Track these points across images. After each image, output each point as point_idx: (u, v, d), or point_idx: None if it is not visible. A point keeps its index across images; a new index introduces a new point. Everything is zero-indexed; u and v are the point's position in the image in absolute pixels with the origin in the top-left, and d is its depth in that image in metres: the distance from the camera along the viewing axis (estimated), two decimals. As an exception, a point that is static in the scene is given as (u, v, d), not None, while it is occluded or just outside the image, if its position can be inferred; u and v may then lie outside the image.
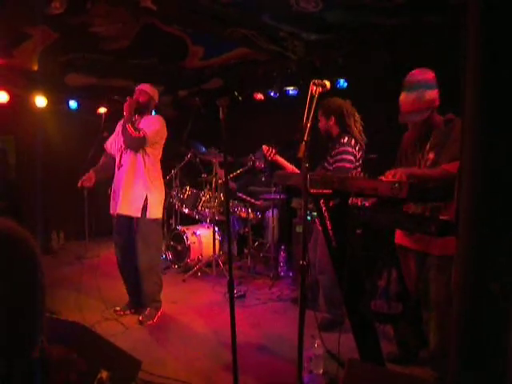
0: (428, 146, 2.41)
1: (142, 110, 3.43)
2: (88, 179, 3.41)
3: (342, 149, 3.08)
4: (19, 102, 5.61)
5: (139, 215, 3.30)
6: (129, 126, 3.26)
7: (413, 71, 2.38)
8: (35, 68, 5.03)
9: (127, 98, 3.38)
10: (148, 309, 3.42)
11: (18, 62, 4.78)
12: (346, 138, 3.11)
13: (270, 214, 4.85)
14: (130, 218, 3.33)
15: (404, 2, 3.39)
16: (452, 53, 2.64)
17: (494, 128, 0.90)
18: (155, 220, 3.42)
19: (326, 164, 3.18)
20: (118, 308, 3.55)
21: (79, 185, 3.41)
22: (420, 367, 2.58)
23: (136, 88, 3.50)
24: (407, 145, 2.59)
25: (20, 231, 0.81)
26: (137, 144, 3.29)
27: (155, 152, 3.41)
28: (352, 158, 3.08)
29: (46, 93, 5.71)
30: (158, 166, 3.49)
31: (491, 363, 0.95)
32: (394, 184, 1.68)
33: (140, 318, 3.38)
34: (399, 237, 2.57)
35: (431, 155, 2.37)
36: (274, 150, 3.35)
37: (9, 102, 5.44)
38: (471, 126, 0.93)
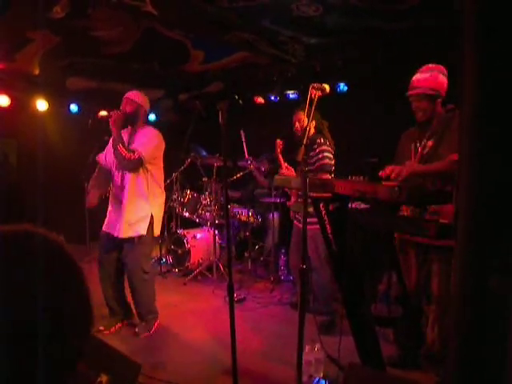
0: (428, 133, 2.43)
1: (131, 120, 3.18)
2: (92, 198, 3.32)
3: (321, 148, 3.27)
4: (20, 106, 5.63)
5: (144, 233, 3.14)
6: (120, 148, 2.99)
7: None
8: (36, 72, 5.05)
9: (111, 114, 3.06)
10: (145, 321, 3.28)
11: (20, 65, 4.80)
12: (322, 139, 3.32)
13: (270, 216, 4.86)
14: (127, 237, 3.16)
15: (406, 7, 3.41)
16: (452, 56, 2.66)
17: (491, 130, 0.90)
18: (155, 237, 3.32)
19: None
20: (101, 328, 3.21)
21: (88, 207, 3.40)
22: (420, 371, 2.57)
23: (123, 97, 3.23)
24: (406, 137, 2.62)
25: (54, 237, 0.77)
26: (132, 166, 3.07)
27: (156, 166, 3.25)
28: (331, 155, 3.28)
29: (47, 96, 5.73)
30: (161, 176, 3.35)
31: (490, 364, 0.95)
32: (393, 188, 1.69)
33: (136, 329, 3.24)
34: None
35: (430, 142, 2.41)
36: (281, 147, 3.54)
37: (10, 106, 5.46)
38: (469, 128, 0.93)
